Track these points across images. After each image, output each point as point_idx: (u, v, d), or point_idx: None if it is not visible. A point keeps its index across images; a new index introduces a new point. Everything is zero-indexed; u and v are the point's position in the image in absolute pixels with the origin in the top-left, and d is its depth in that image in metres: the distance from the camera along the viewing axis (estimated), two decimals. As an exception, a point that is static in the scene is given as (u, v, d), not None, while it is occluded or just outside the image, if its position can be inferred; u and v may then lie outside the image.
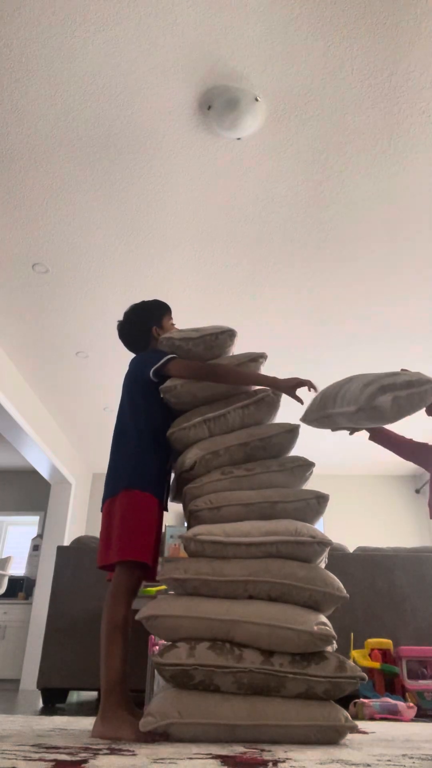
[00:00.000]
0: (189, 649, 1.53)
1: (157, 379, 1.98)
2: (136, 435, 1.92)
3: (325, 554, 1.76)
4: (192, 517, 1.78)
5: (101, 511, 1.88)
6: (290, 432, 1.92)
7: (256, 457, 1.90)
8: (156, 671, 2.37)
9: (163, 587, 3.24)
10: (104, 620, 1.71)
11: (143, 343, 2.16)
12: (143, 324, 2.17)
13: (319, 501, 1.79)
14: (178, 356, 2.01)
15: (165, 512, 1.95)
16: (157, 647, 2.41)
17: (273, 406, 1.99)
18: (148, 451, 1.90)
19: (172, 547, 5.38)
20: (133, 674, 3.14)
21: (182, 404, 1.97)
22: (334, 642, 1.59)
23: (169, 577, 1.65)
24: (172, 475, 2.04)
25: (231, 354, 2.11)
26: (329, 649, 1.60)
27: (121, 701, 1.62)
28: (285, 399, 2.09)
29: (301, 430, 1.99)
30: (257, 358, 2.03)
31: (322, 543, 1.69)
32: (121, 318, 2.24)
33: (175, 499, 2.05)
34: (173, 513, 6.98)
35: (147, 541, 1.76)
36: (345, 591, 1.66)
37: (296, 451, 5.97)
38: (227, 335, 2.04)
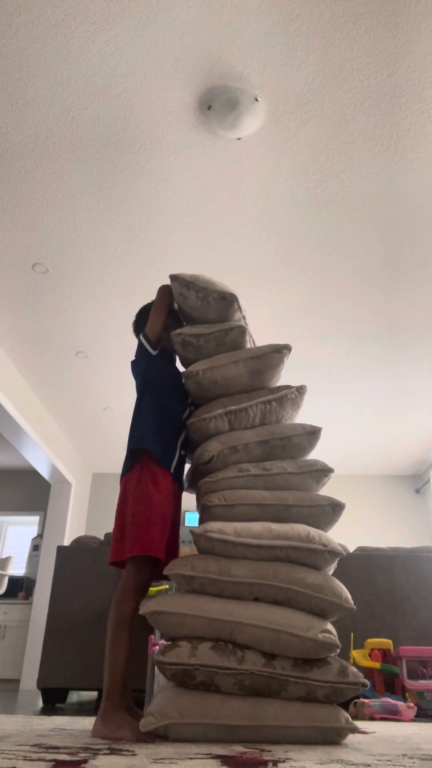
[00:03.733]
0: (191, 648, 1.53)
1: (155, 350, 2.05)
2: (146, 415, 1.95)
3: (335, 563, 1.74)
4: (204, 512, 1.77)
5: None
6: (311, 434, 1.90)
7: (274, 456, 1.88)
8: (157, 670, 2.37)
9: (164, 587, 3.24)
10: (111, 617, 1.70)
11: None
12: (138, 331, 2.25)
13: (334, 509, 1.77)
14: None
15: (181, 490, 1.96)
16: (157, 647, 2.41)
17: (295, 403, 1.98)
18: (159, 425, 1.92)
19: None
20: (133, 674, 3.15)
21: (204, 391, 1.96)
22: (337, 651, 1.58)
23: (177, 572, 1.64)
24: (188, 465, 2.04)
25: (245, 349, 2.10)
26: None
27: (122, 701, 1.62)
28: (308, 398, 2.11)
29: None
30: (281, 349, 2.00)
31: (333, 552, 1.67)
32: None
33: (189, 489, 2.03)
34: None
35: (158, 532, 1.72)
36: (352, 602, 1.64)
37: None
38: (237, 331, 2.02)
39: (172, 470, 1.88)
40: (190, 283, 2.04)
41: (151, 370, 2.03)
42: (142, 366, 2.05)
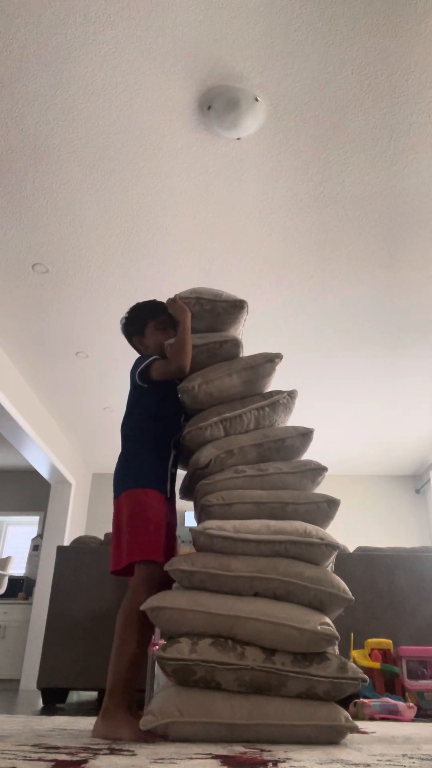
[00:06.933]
0: (191, 644, 1.54)
1: (145, 383, 1.97)
2: (132, 435, 1.94)
3: (333, 557, 1.75)
4: (203, 512, 1.79)
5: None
6: (304, 436, 1.94)
7: (269, 458, 1.91)
8: (157, 667, 2.37)
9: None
10: (120, 614, 1.71)
11: (137, 351, 2.17)
12: (129, 336, 2.16)
13: (330, 505, 1.80)
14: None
15: (174, 503, 1.95)
16: (157, 647, 2.41)
17: (288, 407, 2.02)
18: (147, 449, 1.90)
19: (172, 547, 5.37)
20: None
21: (199, 404, 1.97)
22: (336, 643, 1.59)
23: (176, 568, 1.65)
24: (178, 472, 2.04)
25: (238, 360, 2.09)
26: (331, 650, 1.60)
27: (123, 702, 1.63)
28: (299, 403, 2.10)
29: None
30: (273, 358, 2.02)
31: (331, 546, 1.69)
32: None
33: (186, 496, 2.04)
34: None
35: (156, 538, 1.75)
36: (350, 593, 1.66)
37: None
38: (231, 344, 2.03)
39: (168, 495, 1.89)
40: (197, 299, 2.04)
41: (148, 399, 1.98)
42: (135, 396, 2.00)
